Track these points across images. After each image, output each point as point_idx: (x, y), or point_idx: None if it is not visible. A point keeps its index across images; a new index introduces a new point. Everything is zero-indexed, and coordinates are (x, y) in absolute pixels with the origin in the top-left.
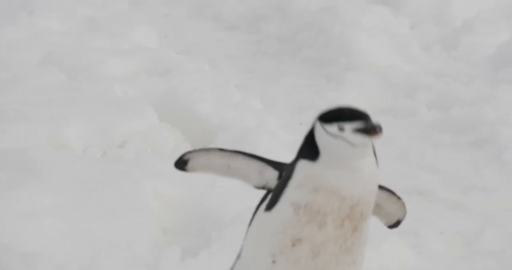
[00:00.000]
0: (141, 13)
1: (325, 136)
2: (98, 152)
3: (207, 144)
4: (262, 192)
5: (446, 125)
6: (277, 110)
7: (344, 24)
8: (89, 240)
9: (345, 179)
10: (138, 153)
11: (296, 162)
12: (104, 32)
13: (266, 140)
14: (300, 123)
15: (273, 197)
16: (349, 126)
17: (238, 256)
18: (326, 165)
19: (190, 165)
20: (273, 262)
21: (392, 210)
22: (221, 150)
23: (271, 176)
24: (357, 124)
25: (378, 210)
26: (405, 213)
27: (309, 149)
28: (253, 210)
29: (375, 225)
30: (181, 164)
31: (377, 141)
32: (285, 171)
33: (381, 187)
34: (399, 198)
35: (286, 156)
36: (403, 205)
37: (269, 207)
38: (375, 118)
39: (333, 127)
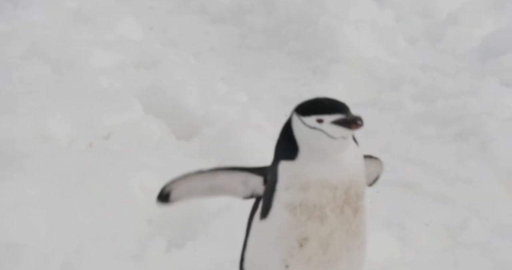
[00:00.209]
0: (126, 5)
1: (303, 128)
2: (83, 144)
3: (192, 136)
4: None
5: (431, 117)
6: (263, 103)
7: (330, 16)
8: (75, 232)
9: (329, 169)
10: (123, 145)
11: (277, 164)
12: (89, 25)
13: (251, 132)
14: (286, 115)
15: (264, 203)
16: (328, 118)
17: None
18: (307, 160)
19: (173, 196)
20: (286, 266)
21: (371, 171)
22: (199, 172)
23: (257, 183)
24: (337, 116)
25: None
26: (382, 168)
27: (287, 147)
28: (238, 202)
29: None
30: (164, 197)
31: (356, 133)
32: (269, 175)
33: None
34: (375, 158)
35: (271, 148)
36: (380, 161)
37: (264, 214)
38: (354, 110)
39: (311, 120)
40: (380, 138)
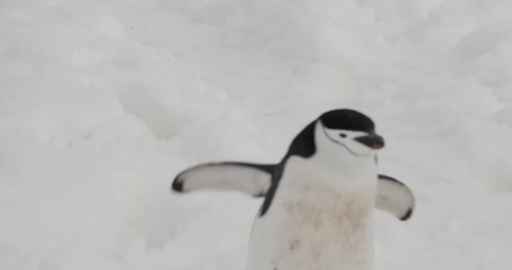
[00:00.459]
0: (107, 4)
1: (325, 139)
2: (63, 143)
3: (172, 135)
4: None
5: (411, 117)
6: (243, 102)
7: (310, 16)
8: (55, 231)
9: (338, 177)
10: (104, 144)
11: (287, 159)
12: (70, 23)
13: (232, 131)
14: (266, 114)
15: (266, 199)
16: (351, 134)
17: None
18: (320, 163)
19: (186, 185)
20: (275, 269)
21: (398, 199)
22: (210, 164)
23: (265, 181)
24: (360, 133)
25: (384, 202)
26: (413, 199)
27: (304, 145)
28: (220, 201)
29: None
30: (177, 187)
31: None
32: (276, 171)
33: (382, 176)
34: (402, 184)
35: (252, 147)
36: (409, 190)
37: (263, 211)
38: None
39: (334, 133)
40: None
